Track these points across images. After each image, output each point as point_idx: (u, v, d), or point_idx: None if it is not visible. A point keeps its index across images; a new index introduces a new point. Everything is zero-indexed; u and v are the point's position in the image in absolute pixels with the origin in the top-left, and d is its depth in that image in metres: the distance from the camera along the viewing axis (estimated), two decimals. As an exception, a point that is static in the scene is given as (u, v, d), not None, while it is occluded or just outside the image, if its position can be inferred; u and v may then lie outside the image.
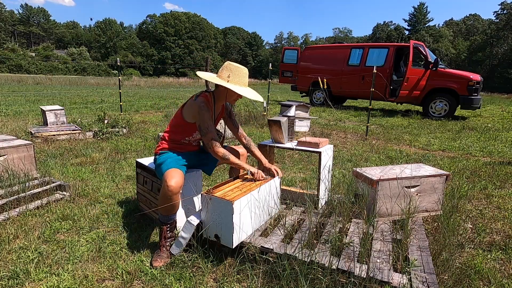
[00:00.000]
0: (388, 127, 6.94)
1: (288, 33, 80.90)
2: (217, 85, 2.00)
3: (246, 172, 2.21)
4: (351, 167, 3.39)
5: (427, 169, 2.30)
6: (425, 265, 1.56)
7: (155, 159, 2.05)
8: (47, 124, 5.09)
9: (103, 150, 4.17)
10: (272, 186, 2.04)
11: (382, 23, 60.07)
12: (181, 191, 2.05)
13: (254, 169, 1.97)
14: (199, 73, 2.06)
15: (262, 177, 1.95)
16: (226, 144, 3.90)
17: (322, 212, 2.16)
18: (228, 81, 1.91)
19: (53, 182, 2.68)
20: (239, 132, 2.19)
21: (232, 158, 1.91)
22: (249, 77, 2.15)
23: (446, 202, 2.29)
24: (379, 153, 4.48)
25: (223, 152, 1.88)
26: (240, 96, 1.97)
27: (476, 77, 8.13)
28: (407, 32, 56.08)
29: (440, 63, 8.44)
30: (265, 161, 2.17)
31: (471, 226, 2.26)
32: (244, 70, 1.96)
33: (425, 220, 2.21)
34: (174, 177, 1.74)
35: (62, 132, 4.75)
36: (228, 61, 1.98)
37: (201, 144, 2.23)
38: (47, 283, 1.56)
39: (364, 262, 1.55)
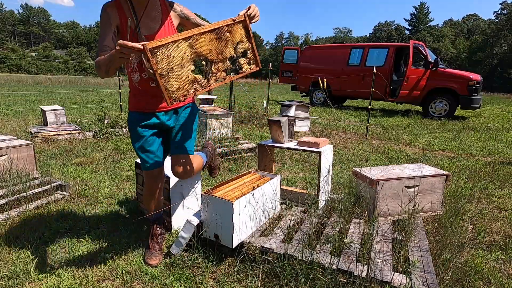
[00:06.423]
0: (388, 127, 6.94)
1: (288, 33, 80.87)
2: None
3: (246, 172, 2.22)
4: (351, 167, 3.39)
5: (427, 169, 2.30)
6: (425, 265, 1.56)
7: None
8: (47, 124, 5.10)
9: (103, 150, 4.17)
10: (272, 186, 2.04)
11: (383, 23, 60.08)
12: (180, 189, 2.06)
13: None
14: None
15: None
16: (226, 144, 3.90)
17: (322, 212, 2.16)
18: None
19: (53, 182, 2.68)
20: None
21: (102, 56, 1.41)
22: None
23: (447, 202, 2.29)
24: (379, 153, 4.47)
25: (97, 59, 1.44)
26: None
27: (476, 77, 8.13)
28: (407, 32, 56.05)
29: (440, 63, 8.44)
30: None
31: (471, 226, 2.26)
32: None
33: (425, 220, 2.21)
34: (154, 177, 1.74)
35: (62, 132, 4.75)
36: None
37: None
38: (47, 283, 1.56)
39: (365, 262, 1.55)
